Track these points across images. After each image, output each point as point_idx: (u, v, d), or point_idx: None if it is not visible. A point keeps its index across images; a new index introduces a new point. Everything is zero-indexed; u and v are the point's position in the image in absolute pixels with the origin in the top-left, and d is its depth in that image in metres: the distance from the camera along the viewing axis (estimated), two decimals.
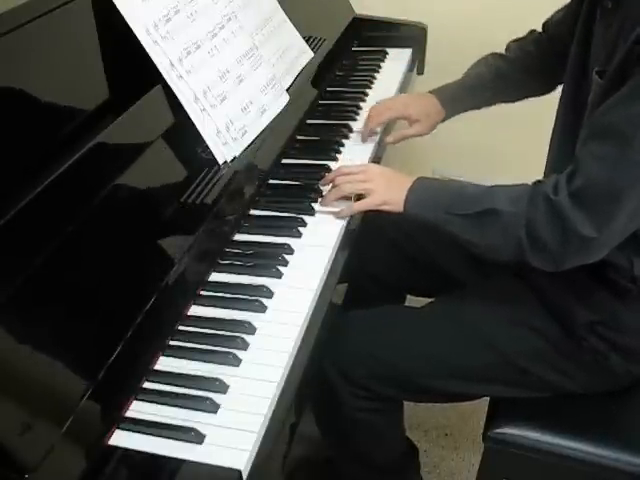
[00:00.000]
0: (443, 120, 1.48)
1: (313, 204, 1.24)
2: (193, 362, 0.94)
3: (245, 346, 0.96)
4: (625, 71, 0.98)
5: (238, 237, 1.17)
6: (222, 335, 0.98)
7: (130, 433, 0.84)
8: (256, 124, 1.26)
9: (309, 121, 1.50)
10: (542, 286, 1.16)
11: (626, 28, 0.99)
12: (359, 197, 1.20)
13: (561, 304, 1.14)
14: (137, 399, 0.89)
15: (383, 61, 1.77)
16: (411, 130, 1.46)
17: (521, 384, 1.18)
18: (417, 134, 1.46)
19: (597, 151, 0.99)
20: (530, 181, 1.08)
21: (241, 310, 1.02)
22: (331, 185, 1.24)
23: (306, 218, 1.20)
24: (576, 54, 1.16)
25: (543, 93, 1.43)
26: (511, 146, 2.00)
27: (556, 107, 1.22)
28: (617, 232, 1.00)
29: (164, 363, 0.94)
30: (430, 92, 1.46)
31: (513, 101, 1.49)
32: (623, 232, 1.01)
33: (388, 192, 1.17)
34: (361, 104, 1.57)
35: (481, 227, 1.07)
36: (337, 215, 1.21)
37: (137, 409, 0.88)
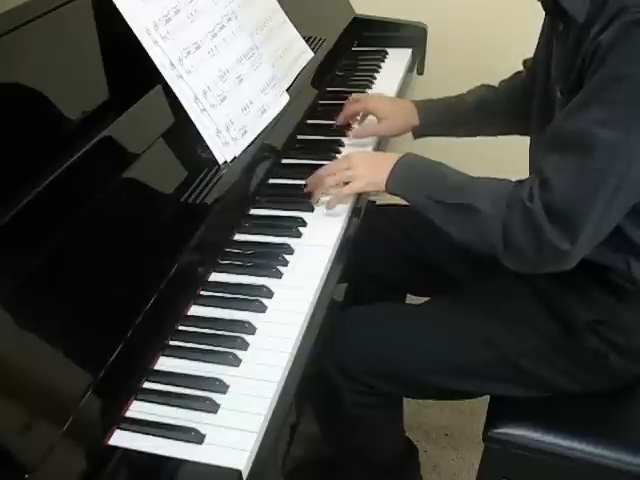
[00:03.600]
0: (418, 136, 1.46)
1: (313, 204, 1.24)
2: (193, 362, 0.94)
3: (245, 346, 0.96)
4: (580, 83, 1.00)
5: (238, 237, 1.17)
6: (222, 335, 0.98)
7: (130, 433, 0.84)
8: (256, 124, 1.26)
9: (309, 121, 1.50)
10: (542, 285, 1.16)
11: (577, 46, 1.01)
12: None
13: (561, 304, 1.14)
14: (137, 399, 0.89)
15: (383, 61, 1.77)
16: (376, 127, 1.44)
17: (520, 382, 1.18)
18: (382, 133, 1.44)
19: (559, 163, 0.99)
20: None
21: (241, 310, 1.02)
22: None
23: (306, 218, 1.20)
24: (540, 75, 1.17)
25: (524, 133, 1.34)
26: (511, 147, 2.00)
27: None
28: (587, 241, 1.00)
29: (164, 363, 0.94)
30: (413, 101, 1.46)
31: (491, 134, 1.48)
32: (592, 241, 1.01)
33: (371, 173, 1.17)
34: None
35: (459, 220, 1.08)
36: (327, 207, 1.20)
37: (137, 409, 0.88)
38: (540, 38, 1.24)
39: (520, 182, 1.06)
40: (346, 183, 1.20)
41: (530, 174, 1.24)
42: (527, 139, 1.27)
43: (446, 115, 1.45)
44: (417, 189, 1.13)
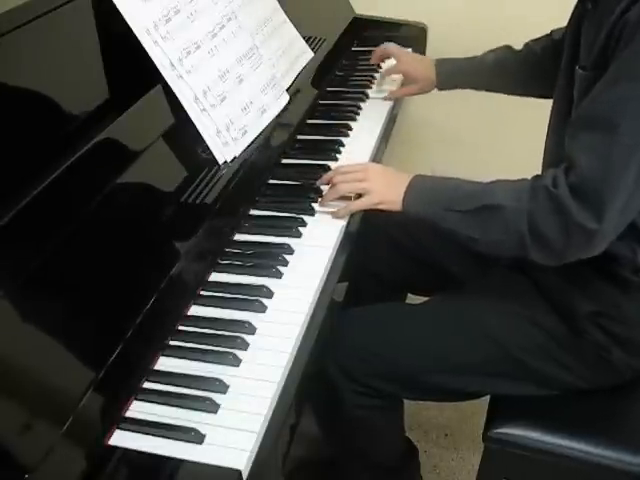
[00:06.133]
0: (441, 89, 1.56)
1: (313, 204, 1.24)
2: (193, 362, 0.94)
3: (245, 346, 0.96)
4: (605, 59, 0.99)
5: (238, 237, 1.17)
6: (222, 335, 0.98)
7: (130, 433, 0.84)
8: (256, 124, 1.26)
9: (309, 121, 1.50)
10: (543, 279, 1.16)
11: (603, 23, 1.00)
12: (358, 196, 1.20)
13: (563, 297, 1.14)
14: (137, 399, 0.89)
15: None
16: (411, 89, 1.60)
17: (523, 379, 1.17)
18: (415, 93, 1.61)
19: (586, 142, 0.99)
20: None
21: (241, 310, 1.02)
22: (330, 185, 1.24)
23: (306, 218, 1.20)
24: (567, 54, 1.17)
25: (540, 96, 1.42)
26: (509, 144, 2.00)
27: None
28: (615, 221, 0.99)
29: (164, 363, 0.94)
30: (436, 60, 1.57)
31: (509, 93, 1.53)
32: (621, 221, 1.00)
33: (386, 191, 1.17)
34: (361, 104, 1.57)
35: (482, 223, 1.07)
36: (335, 215, 1.21)
37: (137, 409, 0.88)
38: (569, 22, 1.23)
39: (538, 176, 1.06)
40: (359, 195, 1.20)
41: (544, 163, 1.25)
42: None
43: (465, 74, 1.54)
44: (434, 203, 1.12)
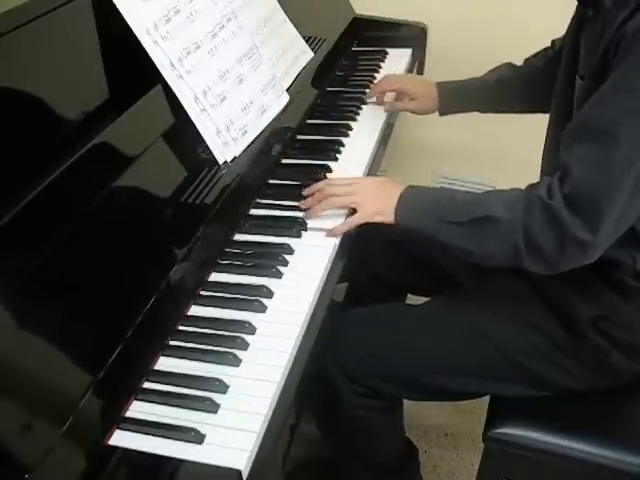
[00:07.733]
0: (443, 113, 1.51)
1: (310, 218, 1.22)
2: (193, 362, 0.94)
3: (245, 346, 0.96)
4: (603, 70, 0.99)
5: (238, 237, 1.17)
6: (222, 335, 0.98)
7: (130, 433, 0.84)
8: (256, 124, 1.26)
9: (309, 121, 1.50)
10: (543, 283, 1.16)
11: (605, 31, 1.00)
12: (353, 212, 1.18)
13: (562, 301, 1.14)
14: (137, 399, 0.89)
15: (383, 61, 1.77)
16: (409, 105, 1.54)
17: (522, 381, 1.18)
18: (413, 110, 1.55)
19: (582, 153, 0.98)
20: (530, 183, 1.08)
21: (241, 310, 1.02)
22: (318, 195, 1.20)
23: (306, 218, 1.20)
24: (566, 62, 1.16)
25: (545, 110, 1.36)
26: (511, 148, 2.00)
27: None
28: (609, 233, 0.99)
29: (164, 363, 0.94)
30: (437, 83, 1.52)
31: (514, 112, 1.50)
32: (615, 232, 1.00)
33: (378, 203, 1.15)
34: (361, 104, 1.57)
35: (476, 234, 1.07)
36: (329, 234, 1.17)
37: (137, 409, 0.88)
38: (569, 27, 1.23)
39: (532, 185, 1.06)
40: (353, 211, 1.18)
41: (542, 171, 1.24)
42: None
43: (467, 97, 1.50)
44: (427, 215, 1.11)
